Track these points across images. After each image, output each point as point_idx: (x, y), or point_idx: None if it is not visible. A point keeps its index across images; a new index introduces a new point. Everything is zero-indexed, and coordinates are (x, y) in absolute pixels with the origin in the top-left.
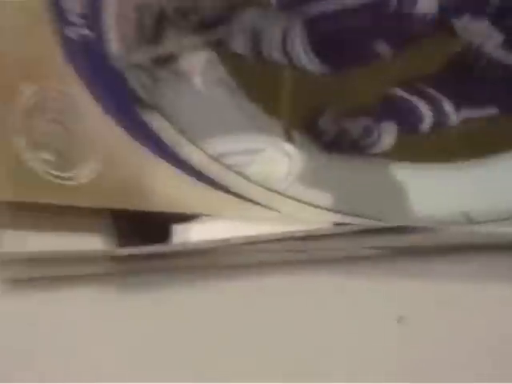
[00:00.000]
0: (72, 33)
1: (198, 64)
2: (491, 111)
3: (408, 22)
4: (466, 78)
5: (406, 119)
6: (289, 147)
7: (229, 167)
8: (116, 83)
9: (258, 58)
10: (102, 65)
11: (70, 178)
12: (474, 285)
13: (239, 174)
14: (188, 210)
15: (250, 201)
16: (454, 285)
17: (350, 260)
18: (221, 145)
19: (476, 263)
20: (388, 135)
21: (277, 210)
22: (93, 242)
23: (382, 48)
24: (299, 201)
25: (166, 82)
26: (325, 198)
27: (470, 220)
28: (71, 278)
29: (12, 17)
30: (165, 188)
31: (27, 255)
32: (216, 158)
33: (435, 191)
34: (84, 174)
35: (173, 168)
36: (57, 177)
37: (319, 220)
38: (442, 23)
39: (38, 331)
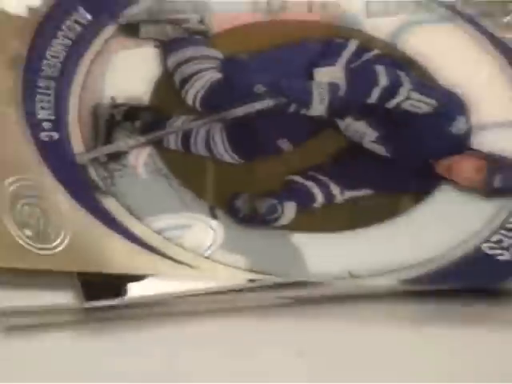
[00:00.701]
0: (44, 136)
1: (141, 158)
2: (367, 192)
3: (304, 123)
4: (348, 166)
5: (303, 199)
6: (213, 222)
7: (168, 238)
8: (79, 174)
9: (188, 153)
10: (68, 160)
11: (46, 249)
12: (358, 325)
13: (176, 243)
14: (138, 272)
15: (184, 264)
16: (341, 324)
17: (262, 308)
18: (161, 221)
19: (358, 308)
20: (289, 211)
21: (204, 271)
22: (65, 297)
23: (284, 144)
24: (221, 263)
25: (118, 173)
26: (241, 261)
27: (352, 276)
28: (45, 326)
29: None
30: (120, 255)
31: (10, 308)
32: (158, 232)
33: (326, 254)
34: (57, 245)
35: (124, 239)
36: (36, 248)
37: (237, 278)
38: (330, 124)
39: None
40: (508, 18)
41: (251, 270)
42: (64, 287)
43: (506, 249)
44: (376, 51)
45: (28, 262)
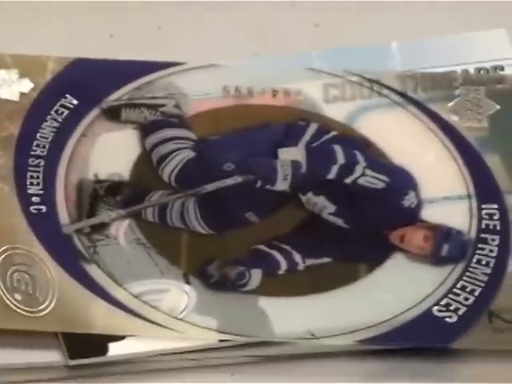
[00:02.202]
0: (33, 209)
1: (122, 229)
2: (326, 260)
3: (269, 197)
4: (309, 236)
5: (268, 266)
6: (187, 287)
7: (145, 302)
8: (65, 244)
9: (164, 224)
10: (55, 230)
11: (34, 312)
12: (318, 381)
13: (153, 306)
14: (118, 333)
15: (160, 325)
16: (304, 380)
17: (232, 365)
18: (139, 286)
19: (318, 366)
20: (256, 278)
21: (179, 332)
22: (50, 355)
23: (251, 216)
24: (195, 325)
25: (101, 242)
26: (213, 323)
27: (313, 336)
28: (31, 383)
29: None
30: (101, 317)
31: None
32: (136, 296)
33: (289, 316)
34: (44, 308)
35: (106, 303)
36: (25, 311)
37: (209, 338)
38: (293, 198)
39: None
40: (452, 103)
41: (222, 331)
42: (49, 346)
43: (454, 311)
44: (334, 132)
45: (17, 323)
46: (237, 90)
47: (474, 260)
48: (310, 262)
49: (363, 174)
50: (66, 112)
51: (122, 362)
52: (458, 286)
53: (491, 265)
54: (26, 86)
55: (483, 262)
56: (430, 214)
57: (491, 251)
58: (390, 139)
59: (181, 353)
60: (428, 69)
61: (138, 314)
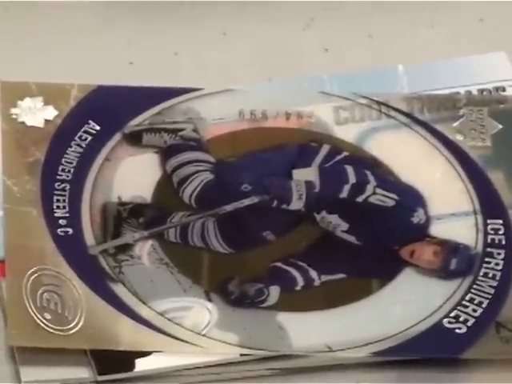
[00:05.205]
0: (60, 231)
1: (145, 249)
2: (341, 276)
3: (285, 216)
4: (324, 254)
5: (286, 283)
6: (208, 304)
7: (169, 319)
8: (92, 264)
9: (186, 244)
10: (81, 252)
11: (64, 330)
12: None
13: (176, 323)
14: (144, 349)
15: (184, 341)
16: None
17: (253, 378)
18: (163, 304)
19: (334, 377)
20: (274, 294)
21: (201, 347)
22: (80, 372)
23: (268, 235)
24: (217, 340)
25: (125, 262)
26: (234, 338)
27: (329, 349)
28: None
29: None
30: (128, 334)
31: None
32: (161, 313)
33: (306, 330)
34: (73, 326)
35: (132, 321)
36: (55, 329)
37: (231, 352)
38: (307, 217)
39: None
40: (456, 123)
41: (242, 346)
42: (79, 363)
43: (463, 322)
44: (345, 153)
45: (48, 342)
46: (252, 113)
47: (481, 273)
48: (325, 278)
49: (374, 193)
50: (90, 138)
51: (148, 377)
52: (467, 298)
53: (497, 278)
54: (51, 113)
55: (490, 275)
56: (438, 229)
57: (497, 264)
58: (399, 159)
59: (204, 367)
60: (433, 91)
61: (163, 331)
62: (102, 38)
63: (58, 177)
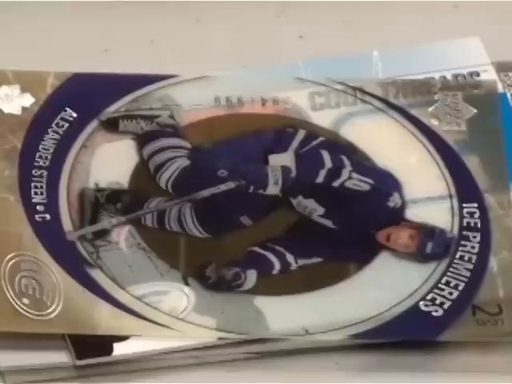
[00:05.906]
0: (38, 217)
1: (123, 235)
2: (318, 259)
3: (262, 201)
4: (300, 238)
5: (263, 267)
6: (186, 288)
7: (147, 304)
8: (69, 250)
9: (163, 229)
10: (59, 237)
11: (42, 315)
12: (312, 375)
13: (154, 308)
14: (122, 333)
15: (162, 325)
16: (298, 375)
17: (230, 362)
18: (141, 289)
19: (312, 360)
20: (251, 278)
21: (179, 331)
22: (58, 356)
23: (245, 220)
24: (194, 324)
25: (103, 248)
26: (211, 322)
27: (307, 332)
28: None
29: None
30: (106, 319)
31: (15, 368)
32: (138, 298)
33: (283, 314)
34: (51, 311)
35: (110, 305)
36: (33, 314)
37: (208, 336)
38: (284, 201)
39: None
40: (432, 108)
41: (220, 330)
42: (58, 348)
43: (440, 305)
44: (321, 138)
45: (26, 327)
46: (228, 100)
47: (457, 256)
48: (302, 262)
49: (350, 178)
50: (67, 125)
51: (126, 361)
52: (443, 281)
53: (473, 261)
54: (28, 100)
55: (466, 258)
56: (413, 213)
57: (473, 248)
58: (374, 144)
59: (182, 351)
60: (408, 76)
61: (141, 315)
62: (78, 26)
63: (35, 163)
